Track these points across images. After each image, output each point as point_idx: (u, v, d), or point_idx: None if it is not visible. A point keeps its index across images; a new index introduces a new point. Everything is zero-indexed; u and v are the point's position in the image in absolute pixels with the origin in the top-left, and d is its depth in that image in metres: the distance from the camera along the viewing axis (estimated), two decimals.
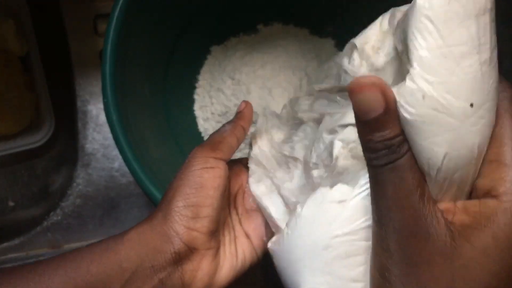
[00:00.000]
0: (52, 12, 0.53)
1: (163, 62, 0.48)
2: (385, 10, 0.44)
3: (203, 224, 0.28)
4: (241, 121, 0.33)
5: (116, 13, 0.38)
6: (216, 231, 0.29)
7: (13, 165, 0.54)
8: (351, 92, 0.20)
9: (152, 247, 0.27)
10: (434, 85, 0.20)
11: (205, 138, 0.51)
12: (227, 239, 0.31)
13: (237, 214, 0.33)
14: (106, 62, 0.37)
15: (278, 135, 0.34)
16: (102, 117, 0.54)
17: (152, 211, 0.29)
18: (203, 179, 0.28)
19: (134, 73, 0.42)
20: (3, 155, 0.50)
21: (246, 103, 0.35)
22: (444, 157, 0.20)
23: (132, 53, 0.40)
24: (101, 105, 0.53)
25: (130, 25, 0.39)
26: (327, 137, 0.28)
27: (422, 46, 0.20)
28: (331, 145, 0.27)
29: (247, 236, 0.32)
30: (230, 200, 0.33)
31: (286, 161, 0.33)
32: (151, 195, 0.37)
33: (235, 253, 0.31)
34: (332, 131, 0.27)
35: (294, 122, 0.34)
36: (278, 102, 0.46)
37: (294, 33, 0.51)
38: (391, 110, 0.20)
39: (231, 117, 0.48)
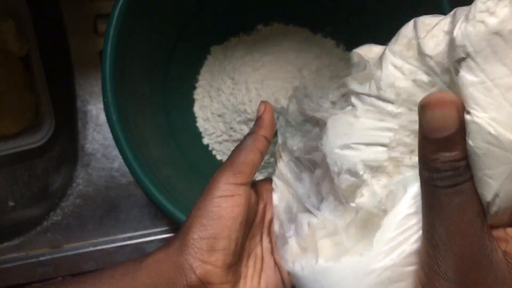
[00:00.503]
0: (52, 12, 0.54)
1: (163, 62, 0.48)
2: (386, 10, 0.44)
3: (218, 258, 0.27)
4: (262, 130, 0.31)
5: (116, 13, 0.38)
6: (236, 264, 0.28)
7: (13, 165, 0.54)
8: (425, 106, 0.19)
9: (167, 277, 0.27)
10: (485, 120, 0.19)
11: (205, 138, 0.51)
12: (250, 271, 0.30)
13: (271, 242, 0.31)
14: (106, 62, 0.37)
15: (293, 142, 0.33)
16: (102, 117, 0.54)
17: (171, 238, 0.29)
18: (221, 209, 0.27)
19: (134, 73, 0.42)
20: (3, 155, 0.50)
21: (265, 104, 0.32)
22: (498, 190, 0.20)
23: (132, 53, 0.40)
24: (101, 105, 0.53)
25: (130, 25, 0.39)
26: (340, 154, 0.26)
27: (468, 82, 0.20)
28: (351, 167, 0.25)
29: (277, 267, 0.30)
30: (264, 226, 0.32)
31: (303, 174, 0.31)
32: (151, 195, 0.37)
33: (257, 287, 0.29)
34: (346, 147, 0.26)
35: (303, 120, 0.32)
36: (280, 102, 0.46)
37: (294, 33, 0.51)
38: (462, 130, 0.19)
39: (231, 117, 0.48)
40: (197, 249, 0.27)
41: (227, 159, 0.30)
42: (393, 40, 0.25)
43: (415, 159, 0.24)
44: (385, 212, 0.24)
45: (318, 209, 0.29)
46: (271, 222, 0.32)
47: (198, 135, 0.51)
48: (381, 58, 0.25)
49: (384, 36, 0.27)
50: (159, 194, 0.37)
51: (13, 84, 0.50)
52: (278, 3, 0.50)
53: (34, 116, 0.52)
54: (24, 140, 0.51)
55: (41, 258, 0.51)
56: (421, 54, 0.23)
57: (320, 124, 0.30)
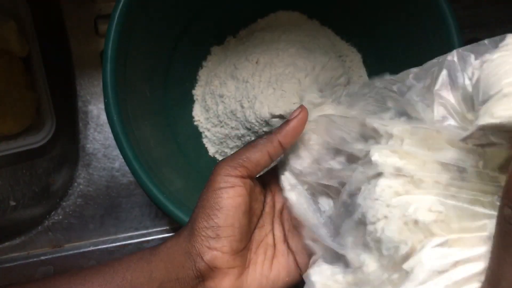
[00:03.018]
0: (53, 13, 0.54)
1: (163, 63, 0.48)
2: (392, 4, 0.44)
3: (224, 244, 0.28)
4: (280, 135, 0.29)
5: (117, 14, 0.38)
6: (242, 250, 0.29)
7: (14, 165, 0.54)
8: None
9: (177, 262, 0.28)
10: None
11: (205, 137, 0.52)
12: (260, 258, 0.31)
13: (283, 230, 0.32)
14: (107, 62, 0.38)
15: (298, 162, 0.31)
16: (103, 117, 0.54)
17: (181, 228, 0.30)
18: (222, 199, 0.28)
19: (135, 74, 0.42)
20: (5, 155, 0.50)
21: (301, 110, 0.30)
22: None
23: (133, 54, 0.41)
24: (102, 105, 0.53)
25: (130, 26, 0.39)
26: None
27: None
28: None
29: (292, 253, 0.31)
30: (275, 215, 0.32)
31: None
32: (151, 195, 0.37)
33: (268, 273, 0.30)
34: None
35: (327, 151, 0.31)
36: (282, 101, 0.46)
37: (295, 29, 0.51)
38: None
39: (231, 117, 0.48)
40: (203, 237, 0.28)
41: (235, 152, 0.31)
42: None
43: None
44: None
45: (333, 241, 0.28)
46: (281, 211, 0.32)
47: (199, 135, 0.52)
48: None
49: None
50: (159, 194, 0.37)
51: (14, 85, 0.50)
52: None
53: (35, 116, 0.52)
54: (25, 140, 0.51)
55: (42, 258, 0.51)
56: None
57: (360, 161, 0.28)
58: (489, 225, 0.22)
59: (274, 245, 0.32)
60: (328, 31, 0.52)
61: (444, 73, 0.25)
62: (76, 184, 0.53)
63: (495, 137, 0.20)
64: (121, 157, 0.38)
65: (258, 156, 0.29)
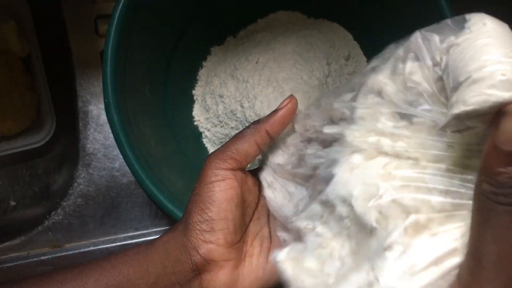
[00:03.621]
0: (53, 13, 0.54)
1: (163, 62, 0.48)
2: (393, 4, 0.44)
3: (219, 237, 0.28)
4: (268, 124, 0.30)
5: (117, 14, 0.38)
6: (238, 242, 0.30)
7: (14, 165, 0.54)
8: (506, 114, 0.18)
9: (173, 256, 0.29)
10: None
11: (205, 137, 0.52)
12: (256, 250, 0.31)
13: (280, 222, 0.32)
14: (107, 62, 0.38)
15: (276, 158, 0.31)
16: (103, 117, 0.54)
17: (177, 223, 0.31)
18: (214, 192, 0.29)
19: (135, 74, 0.42)
20: (5, 155, 0.50)
21: (290, 100, 0.30)
22: None
23: (133, 54, 0.41)
24: (102, 105, 0.53)
25: (131, 26, 0.39)
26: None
27: None
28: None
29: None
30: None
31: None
32: (151, 195, 0.37)
33: (264, 265, 0.30)
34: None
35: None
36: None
37: (295, 25, 0.51)
38: None
39: (231, 117, 0.48)
40: (198, 230, 0.28)
41: (223, 144, 0.31)
42: None
43: None
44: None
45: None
46: None
47: (199, 135, 0.52)
48: None
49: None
50: (159, 194, 0.37)
51: (15, 85, 0.50)
52: None
53: (35, 116, 0.52)
54: (25, 140, 0.51)
55: (42, 258, 0.51)
56: None
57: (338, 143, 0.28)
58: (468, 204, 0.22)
59: (270, 237, 0.32)
60: (333, 28, 0.52)
61: (411, 56, 0.25)
62: (76, 184, 0.53)
63: (470, 122, 0.20)
64: (121, 157, 0.38)
65: (247, 147, 0.30)
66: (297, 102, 0.31)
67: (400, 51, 0.26)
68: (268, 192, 0.31)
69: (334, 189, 0.25)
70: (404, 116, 0.25)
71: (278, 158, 0.31)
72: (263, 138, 0.30)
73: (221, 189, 0.29)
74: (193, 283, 0.29)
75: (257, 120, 0.31)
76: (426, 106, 0.24)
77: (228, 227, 0.29)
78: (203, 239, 0.28)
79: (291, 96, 0.31)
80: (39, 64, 0.51)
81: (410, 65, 0.25)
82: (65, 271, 0.28)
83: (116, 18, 0.38)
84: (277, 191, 0.31)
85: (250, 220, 0.32)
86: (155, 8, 0.42)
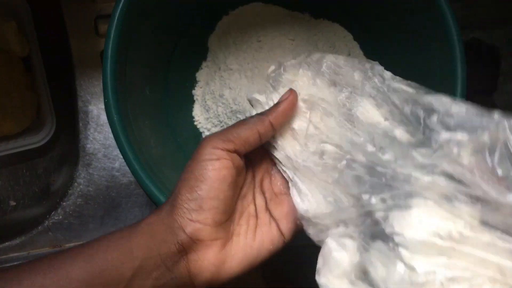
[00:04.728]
0: (53, 13, 0.54)
1: (163, 62, 0.48)
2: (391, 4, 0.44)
3: (207, 216, 0.28)
4: (272, 115, 0.30)
5: (117, 14, 0.38)
6: (226, 221, 0.29)
7: (14, 165, 0.54)
8: None
9: (159, 237, 0.28)
10: None
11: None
12: (243, 228, 0.31)
13: (265, 199, 0.32)
14: (107, 62, 0.38)
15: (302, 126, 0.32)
16: (103, 117, 0.54)
17: (163, 203, 0.30)
18: (207, 171, 0.28)
19: (135, 74, 0.42)
20: (5, 155, 0.50)
21: (290, 93, 0.31)
22: None
23: (133, 54, 0.41)
24: (102, 105, 0.53)
25: (131, 26, 0.39)
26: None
27: None
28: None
29: (275, 221, 0.31)
30: (255, 186, 0.33)
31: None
32: (151, 195, 0.37)
33: (251, 243, 0.30)
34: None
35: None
36: None
37: (293, 23, 0.51)
38: None
39: (231, 117, 0.48)
40: (185, 209, 0.28)
41: (225, 128, 0.31)
42: None
43: None
44: None
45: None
46: (262, 180, 0.33)
47: (199, 135, 0.52)
48: None
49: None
50: (159, 194, 0.37)
51: (15, 85, 0.50)
52: None
53: (35, 116, 0.52)
54: (25, 140, 0.51)
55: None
56: None
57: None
58: None
59: (256, 215, 0.32)
60: (337, 29, 0.52)
61: (501, 146, 0.24)
62: (76, 184, 0.53)
63: None
64: (121, 157, 0.38)
65: (248, 134, 0.29)
66: (297, 95, 0.31)
67: (485, 137, 0.25)
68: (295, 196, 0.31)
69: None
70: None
71: (293, 149, 0.31)
72: (266, 128, 0.30)
73: (214, 168, 0.28)
74: (179, 264, 0.28)
75: (261, 112, 0.31)
76: None
77: (217, 206, 0.28)
78: (190, 218, 0.28)
79: (290, 89, 0.31)
80: (39, 64, 0.51)
81: (499, 154, 0.24)
82: (47, 260, 0.27)
83: (116, 18, 0.38)
84: (304, 195, 0.31)
85: (237, 199, 0.31)
86: (155, 8, 0.42)
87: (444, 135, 0.26)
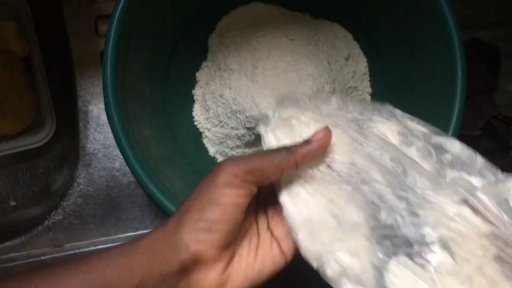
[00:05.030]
0: (53, 13, 0.54)
1: (163, 62, 0.48)
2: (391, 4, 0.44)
3: (214, 238, 0.27)
4: (299, 155, 0.29)
5: (117, 14, 0.38)
6: (231, 243, 0.29)
7: (14, 165, 0.54)
8: None
9: (161, 256, 0.27)
10: None
11: (205, 137, 0.52)
12: (245, 249, 0.30)
13: (267, 219, 0.32)
14: (107, 62, 0.38)
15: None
16: (103, 117, 0.54)
17: (167, 220, 0.29)
18: (224, 196, 0.27)
19: (135, 74, 0.42)
20: (5, 155, 0.50)
21: (325, 132, 0.29)
22: None
23: (133, 54, 0.41)
24: (102, 105, 0.53)
25: (131, 26, 0.39)
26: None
27: None
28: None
29: (276, 241, 0.31)
30: (259, 206, 0.32)
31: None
32: (151, 195, 0.37)
33: (253, 263, 0.30)
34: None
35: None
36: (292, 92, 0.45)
37: (294, 21, 0.51)
38: None
39: (231, 117, 0.48)
40: (194, 229, 0.27)
41: (248, 154, 0.30)
42: None
43: None
44: None
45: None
46: (265, 200, 0.32)
47: (199, 135, 0.52)
48: None
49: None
50: (160, 194, 0.37)
51: (15, 85, 0.50)
52: None
53: (35, 116, 0.52)
54: (25, 140, 0.51)
55: (42, 258, 0.51)
56: None
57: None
58: None
59: (258, 234, 0.31)
60: (327, 23, 0.52)
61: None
62: (76, 184, 0.53)
63: None
64: (121, 157, 0.38)
65: (271, 171, 0.29)
66: (331, 135, 0.29)
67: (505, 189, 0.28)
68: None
69: None
70: None
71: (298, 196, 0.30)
72: (290, 168, 0.29)
73: (232, 194, 0.27)
74: (180, 284, 0.27)
75: (288, 147, 0.30)
76: None
77: (227, 231, 0.28)
78: (197, 238, 0.27)
79: (327, 128, 0.29)
80: (39, 64, 0.51)
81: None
82: (43, 273, 0.27)
83: (116, 18, 0.38)
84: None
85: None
86: (155, 8, 0.42)
87: (457, 174, 0.28)
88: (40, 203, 0.54)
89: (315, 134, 0.29)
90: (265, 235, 0.31)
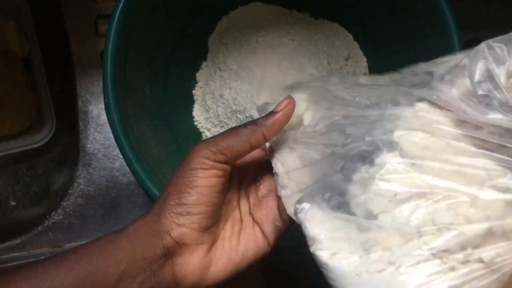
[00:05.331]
0: (54, 13, 0.54)
1: (163, 62, 0.48)
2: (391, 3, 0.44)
3: (194, 221, 0.28)
4: (265, 127, 0.29)
5: (117, 14, 0.38)
6: (212, 226, 0.30)
7: (14, 165, 0.54)
8: None
9: (144, 241, 0.28)
10: None
11: (205, 137, 0.52)
12: (228, 232, 0.31)
13: (249, 204, 0.33)
14: (107, 62, 0.38)
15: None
16: (103, 117, 0.54)
17: (151, 207, 0.30)
18: (198, 178, 0.28)
19: (135, 74, 0.42)
20: (5, 155, 0.50)
21: (289, 101, 0.30)
22: None
23: (133, 54, 0.41)
24: (102, 105, 0.53)
25: (131, 26, 0.39)
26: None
27: None
28: None
29: (258, 225, 0.31)
30: (240, 191, 0.33)
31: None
32: (151, 195, 0.37)
33: (236, 247, 0.31)
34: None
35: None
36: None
37: (294, 20, 0.51)
38: None
39: (231, 117, 0.48)
40: (173, 214, 0.28)
41: (216, 135, 0.30)
42: None
43: None
44: None
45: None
46: (247, 186, 0.33)
47: (199, 135, 0.52)
48: None
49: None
50: (159, 194, 0.37)
51: (15, 85, 0.50)
52: None
53: (35, 116, 0.52)
54: (25, 140, 0.51)
55: (42, 258, 0.51)
56: None
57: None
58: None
59: (241, 219, 0.32)
60: (328, 23, 0.52)
61: (481, 65, 0.25)
62: (76, 184, 0.53)
63: None
64: (121, 157, 0.38)
65: (240, 147, 0.29)
66: (295, 104, 0.30)
67: (466, 60, 0.26)
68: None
69: None
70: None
71: (285, 159, 0.31)
72: (259, 141, 0.30)
73: (205, 176, 0.28)
74: (165, 268, 0.28)
75: (254, 120, 0.30)
76: (498, 115, 0.24)
77: (205, 212, 0.28)
78: (177, 222, 0.28)
79: (289, 97, 0.30)
80: (39, 64, 0.51)
81: (479, 74, 0.25)
82: (32, 267, 0.28)
83: (116, 18, 0.38)
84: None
85: (223, 204, 0.31)
86: (155, 8, 0.42)
87: (436, 81, 0.27)
88: (40, 203, 0.54)
89: (278, 104, 0.30)
90: (247, 219, 0.32)
